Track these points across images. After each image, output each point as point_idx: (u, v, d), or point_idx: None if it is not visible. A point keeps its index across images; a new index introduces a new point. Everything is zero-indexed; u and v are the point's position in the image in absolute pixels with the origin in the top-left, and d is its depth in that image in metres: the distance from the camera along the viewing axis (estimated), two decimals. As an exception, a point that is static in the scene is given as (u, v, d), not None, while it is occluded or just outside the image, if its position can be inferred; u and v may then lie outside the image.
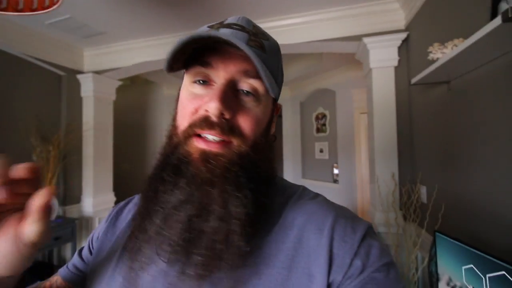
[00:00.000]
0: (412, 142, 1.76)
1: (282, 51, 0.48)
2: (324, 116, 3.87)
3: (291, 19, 2.03)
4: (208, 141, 0.35)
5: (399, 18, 1.83)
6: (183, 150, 0.35)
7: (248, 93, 0.37)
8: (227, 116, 0.34)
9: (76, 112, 2.56)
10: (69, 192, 2.51)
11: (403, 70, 1.80)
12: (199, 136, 0.35)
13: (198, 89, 0.37)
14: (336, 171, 3.62)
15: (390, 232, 1.69)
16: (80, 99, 2.60)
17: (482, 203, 1.03)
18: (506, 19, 0.69)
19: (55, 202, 2.14)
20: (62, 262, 2.47)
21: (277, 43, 0.42)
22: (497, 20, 0.72)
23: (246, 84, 0.36)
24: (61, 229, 2.22)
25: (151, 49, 2.41)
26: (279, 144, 4.30)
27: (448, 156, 1.30)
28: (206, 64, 0.36)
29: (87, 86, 2.57)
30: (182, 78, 0.41)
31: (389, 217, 1.71)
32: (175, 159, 0.35)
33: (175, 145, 0.36)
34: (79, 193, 2.59)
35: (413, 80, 1.34)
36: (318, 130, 3.94)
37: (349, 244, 0.34)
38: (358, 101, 3.31)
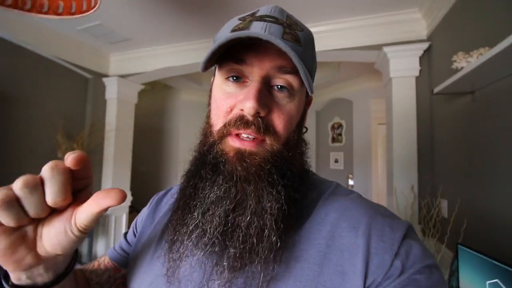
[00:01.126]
0: (433, 154, 1.71)
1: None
2: (340, 125, 3.83)
3: (311, 28, 2.04)
4: (243, 140, 0.35)
5: (421, 28, 1.81)
6: (218, 149, 0.36)
7: (282, 88, 0.36)
8: (262, 114, 0.34)
9: (100, 113, 2.68)
10: (89, 190, 2.59)
11: (424, 80, 1.76)
12: (234, 134, 0.36)
13: (232, 86, 0.37)
14: (351, 182, 3.54)
15: (407, 246, 1.62)
16: (104, 101, 2.72)
17: (508, 218, 0.99)
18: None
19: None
20: (79, 256, 2.53)
21: (310, 31, 0.40)
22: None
23: (281, 80, 0.36)
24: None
25: (173, 55, 2.50)
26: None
27: (472, 169, 1.25)
28: (240, 61, 0.35)
29: (111, 89, 2.69)
30: (214, 74, 0.42)
31: (407, 230, 1.64)
32: (212, 157, 0.36)
33: (211, 144, 0.37)
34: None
35: (436, 89, 1.31)
36: (333, 140, 3.90)
37: (388, 244, 0.32)
38: (376, 112, 3.25)
